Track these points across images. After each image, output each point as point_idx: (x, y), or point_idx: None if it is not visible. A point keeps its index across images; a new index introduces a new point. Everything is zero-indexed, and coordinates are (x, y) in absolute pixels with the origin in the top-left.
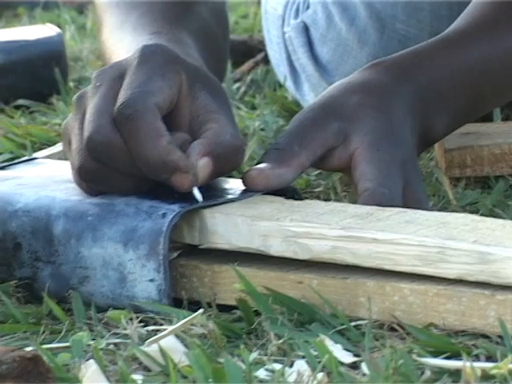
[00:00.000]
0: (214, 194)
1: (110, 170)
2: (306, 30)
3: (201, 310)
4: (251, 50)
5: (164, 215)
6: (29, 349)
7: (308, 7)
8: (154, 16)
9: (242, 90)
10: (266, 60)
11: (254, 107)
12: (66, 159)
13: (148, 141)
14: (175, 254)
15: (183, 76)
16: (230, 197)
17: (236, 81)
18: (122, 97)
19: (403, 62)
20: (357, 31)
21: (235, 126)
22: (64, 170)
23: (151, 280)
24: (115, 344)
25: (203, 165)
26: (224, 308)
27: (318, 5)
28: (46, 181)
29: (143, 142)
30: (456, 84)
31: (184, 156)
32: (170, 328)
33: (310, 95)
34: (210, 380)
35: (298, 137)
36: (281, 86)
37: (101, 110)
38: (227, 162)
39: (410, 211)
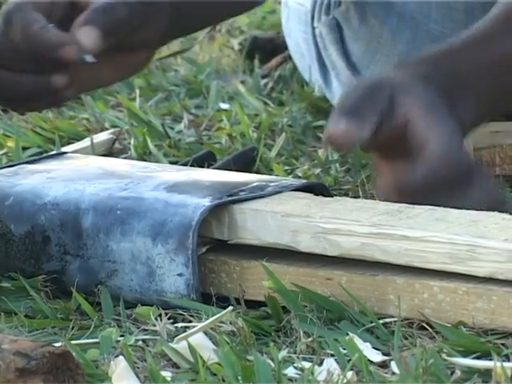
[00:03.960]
0: (243, 190)
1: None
2: (337, 26)
3: (230, 308)
4: (278, 47)
5: (193, 210)
6: (58, 344)
7: (340, 4)
8: None
9: (270, 85)
10: None
11: (281, 103)
12: (94, 154)
13: (25, 31)
14: (204, 249)
15: None
16: (259, 192)
17: (264, 77)
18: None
19: (433, 56)
20: (390, 29)
21: None
22: (94, 165)
23: (180, 274)
24: (144, 340)
25: (85, 32)
26: (252, 303)
27: (350, 2)
28: (76, 175)
29: (22, 33)
30: (483, 77)
31: (62, 32)
32: (199, 325)
33: (339, 92)
34: (239, 378)
35: (365, 101)
36: (307, 83)
37: None
38: (109, 21)
39: (440, 209)
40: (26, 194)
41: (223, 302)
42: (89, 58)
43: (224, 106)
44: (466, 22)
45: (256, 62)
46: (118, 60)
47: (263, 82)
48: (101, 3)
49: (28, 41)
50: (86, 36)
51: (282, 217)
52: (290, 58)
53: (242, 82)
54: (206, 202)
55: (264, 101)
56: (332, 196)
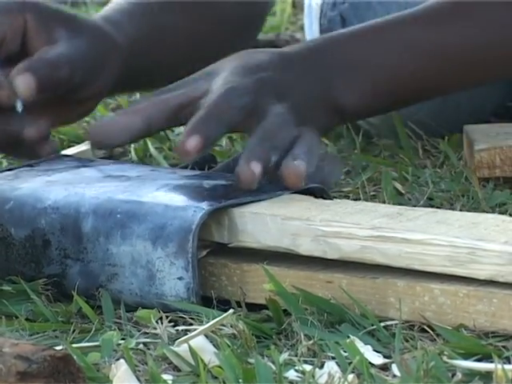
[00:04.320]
0: (243, 193)
1: None
2: (343, 22)
3: (231, 311)
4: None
5: (193, 213)
6: (59, 348)
7: (344, 2)
8: None
9: None
10: None
11: None
12: (94, 157)
13: None
14: (204, 253)
15: (29, 16)
16: (259, 196)
17: None
18: None
19: (322, 42)
20: None
21: (77, 53)
22: (94, 168)
23: (180, 278)
24: (145, 344)
25: (23, 80)
26: (252, 306)
27: None
28: (76, 178)
29: None
30: (369, 67)
31: None
32: (200, 328)
33: None
34: (240, 380)
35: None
36: None
37: None
38: (50, 77)
39: (440, 211)
40: (26, 197)
41: (224, 305)
42: (19, 107)
43: None
44: None
45: None
46: (58, 108)
47: None
48: (46, 57)
49: None
50: (24, 83)
51: (282, 220)
52: None
53: None
54: (206, 205)
55: None
56: (332, 199)
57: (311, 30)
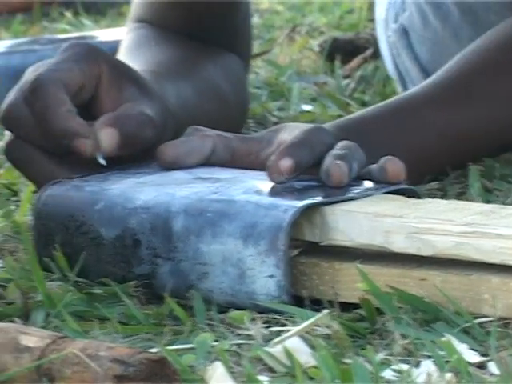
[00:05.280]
0: (334, 192)
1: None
2: (405, 32)
3: (326, 311)
4: (358, 48)
5: (284, 211)
6: (153, 350)
7: (405, 10)
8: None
9: (352, 86)
10: (374, 56)
11: (364, 103)
12: None
13: (49, 109)
14: (295, 252)
15: (104, 68)
16: (350, 194)
17: (345, 77)
18: (32, 75)
19: (348, 122)
20: (451, 27)
21: (158, 110)
22: (184, 170)
23: (271, 276)
24: (238, 345)
25: (106, 133)
26: (343, 305)
27: (412, 6)
28: (166, 180)
29: (45, 110)
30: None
31: (85, 124)
32: (296, 329)
33: None
34: (337, 381)
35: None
36: (389, 81)
37: (15, 89)
38: (134, 135)
39: None
40: (116, 198)
41: (314, 304)
42: (101, 160)
43: (306, 107)
44: None
45: (337, 62)
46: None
47: (345, 82)
48: (132, 113)
49: (49, 120)
50: (108, 138)
51: (375, 217)
52: (370, 57)
53: (324, 83)
54: (298, 203)
55: (346, 101)
56: (423, 199)
57: (382, 44)
